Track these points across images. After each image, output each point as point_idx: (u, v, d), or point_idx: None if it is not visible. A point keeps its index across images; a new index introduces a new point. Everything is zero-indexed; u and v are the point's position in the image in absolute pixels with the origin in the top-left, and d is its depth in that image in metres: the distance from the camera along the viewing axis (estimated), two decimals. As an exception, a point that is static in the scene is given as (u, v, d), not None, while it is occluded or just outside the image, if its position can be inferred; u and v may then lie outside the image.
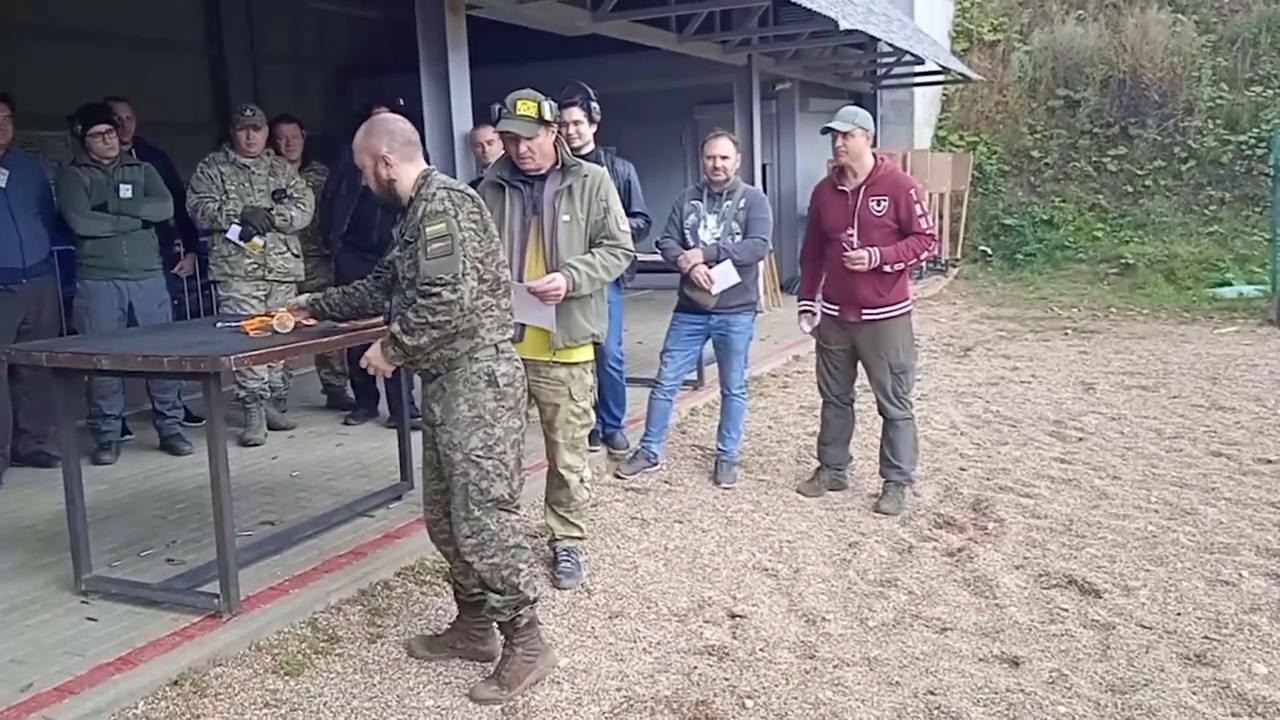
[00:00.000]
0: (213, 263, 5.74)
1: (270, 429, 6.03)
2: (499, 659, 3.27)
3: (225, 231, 5.57)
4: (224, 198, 5.59)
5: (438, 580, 3.97)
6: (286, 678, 3.28)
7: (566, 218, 3.72)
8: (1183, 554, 4.22)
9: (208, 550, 3.96)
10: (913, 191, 4.73)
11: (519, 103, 3.61)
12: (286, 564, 3.98)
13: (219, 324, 4.00)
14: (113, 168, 5.35)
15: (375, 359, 3.14)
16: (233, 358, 3.28)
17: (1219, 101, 14.09)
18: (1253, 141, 13.52)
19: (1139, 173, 14.07)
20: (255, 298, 5.71)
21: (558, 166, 3.77)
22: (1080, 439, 6.10)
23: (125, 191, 5.34)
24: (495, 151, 5.88)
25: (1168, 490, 5.06)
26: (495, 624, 3.28)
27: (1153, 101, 14.36)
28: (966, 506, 4.92)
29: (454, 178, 6.04)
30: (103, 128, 5.31)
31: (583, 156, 5.12)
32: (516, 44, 9.00)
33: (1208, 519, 4.63)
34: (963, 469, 5.52)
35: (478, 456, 3.07)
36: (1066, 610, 3.71)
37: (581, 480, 4.04)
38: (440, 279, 2.90)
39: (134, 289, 5.39)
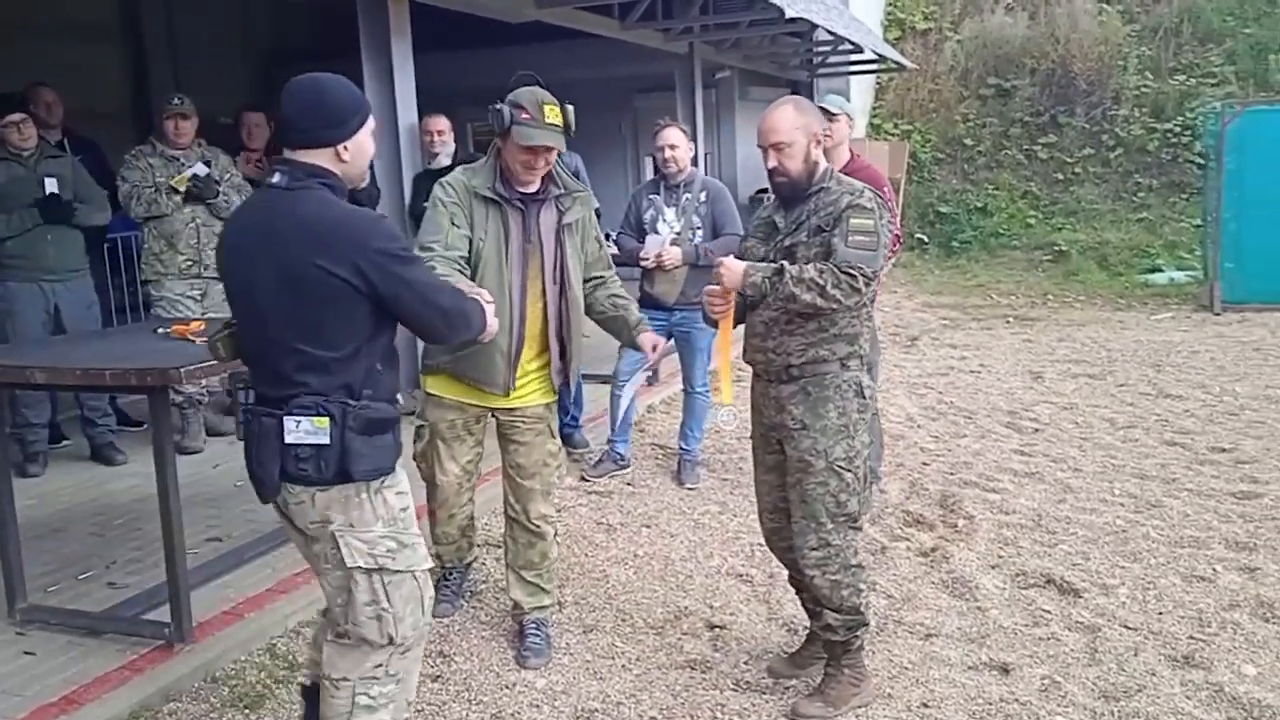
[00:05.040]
0: (144, 260, 5.42)
1: (209, 434, 5.74)
2: (824, 677, 3.13)
3: (177, 186, 5.22)
4: (156, 187, 5.26)
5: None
6: (247, 710, 3.08)
7: (570, 251, 3.25)
8: (1155, 549, 4.21)
9: (152, 571, 3.72)
10: (886, 191, 4.63)
11: (547, 107, 3.04)
12: (239, 584, 3.75)
13: (158, 329, 3.72)
14: (33, 160, 5.02)
15: (731, 275, 2.90)
16: (184, 370, 3.05)
17: (1144, 90, 14.35)
18: (1178, 130, 13.80)
19: (1069, 161, 14.27)
20: (190, 297, 5.41)
21: (554, 189, 3.24)
22: (1036, 430, 6.11)
23: (49, 185, 5.00)
24: (444, 142, 5.66)
25: (1129, 482, 5.08)
26: (823, 641, 3.14)
27: (1081, 90, 14.58)
28: (934, 503, 4.87)
29: (400, 171, 5.89)
30: (16, 117, 4.97)
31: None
32: (452, 29, 8.74)
33: (1174, 511, 4.64)
34: (925, 464, 5.48)
35: (840, 466, 2.97)
36: (1049, 612, 3.67)
37: (555, 534, 3.56)
38: (860, 268, 2.81)
39: (60, 291, 5.07)
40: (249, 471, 2.39)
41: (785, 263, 2.87)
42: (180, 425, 5.55)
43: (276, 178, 2.35)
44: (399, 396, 2.49)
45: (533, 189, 3.20)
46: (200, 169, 5.25)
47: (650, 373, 2.94)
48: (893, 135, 15.02)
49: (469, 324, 2.53)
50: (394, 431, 2.41)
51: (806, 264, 2.87)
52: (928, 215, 14.44)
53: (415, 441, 3.43)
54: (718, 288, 2.95)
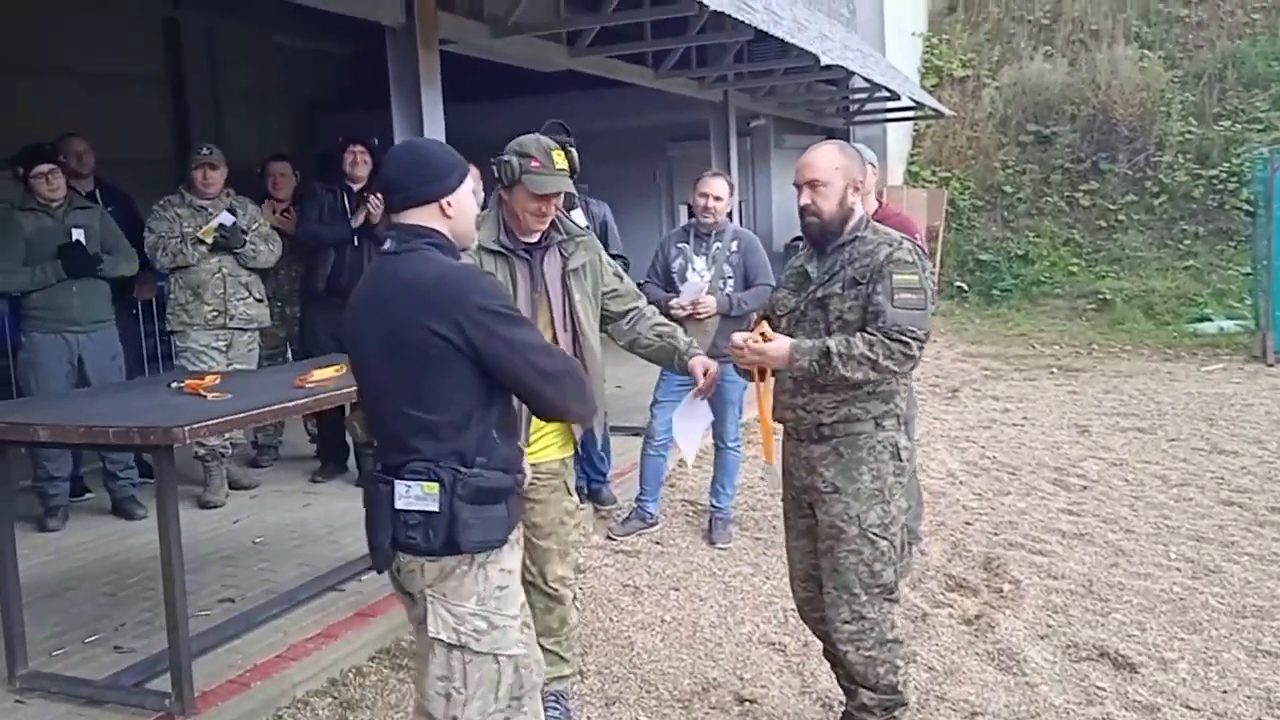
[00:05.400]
0: (170, 311, 5.36)
1: (232, 487, 5.65)
2: None
3: (204, 238, 5.19)
4: (183, 237, 5.22)
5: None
6: (248, 788, 2.92)
7: (579, 297, 3.11)
8: (1216, 619, 3.95)
9: (160, 635, 3.56)
10: (919, 238, 4.47)
11: (555, 154, 2.94)
12: (248, 650, 3.60)
13: (172, 383, 3.63)
14: (61, 210, 4.99)
15: (775, 355, 2.77)
16: (186, 429, 2.93)
17: (1188, 136, 14.10)
18: (1224, 176, 13.52)
19: (1112, 207, 14.03)
20: (215, 348, 5.34)
21: (557, 235, 3.11)
22: (1084, 487, 5.85)
23: (76, 236, 4.97)
24: (477, 192, 5.58)
25: (1185, 545, 4.82)
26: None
27: (1123, 137, 14.36)
28: (977, 566, 4.64)
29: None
30: (45, 168, 4.95)
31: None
32: (487, 80, 8.75)
33: (1234, 578, 4.38)
34: (968, 523, 5.25)
35: (874, 534, 2.80)
36: (1104, 690, 3.42)
37: (574, 597, 3.38)
38: (911, 331, 2.69)
39: (84, 342, 5.01)
40: (368, 540, 2.33)
41: (831, 343, 2.70)
42: (203, 478, 5.47)
43: (387, 244, 2.33)
44: (521, 466, 2.40)
45: (535, 238, 3.09)
46: (226, 219, 5.21)
47: (701, 402, 2.79)
48: (931, 183, 14.86)
49: (581, 394, 2.36)
50: (507, 502, 2.30)
51: (853, 334, 2.72)
52: (967, 263, 14.22)
53: None
54: (745, 349, 2.80)
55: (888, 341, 2.65)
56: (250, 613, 3.81)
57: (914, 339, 2.66)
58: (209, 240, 5.18)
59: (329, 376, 3.54)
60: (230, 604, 4.00)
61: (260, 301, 5.50)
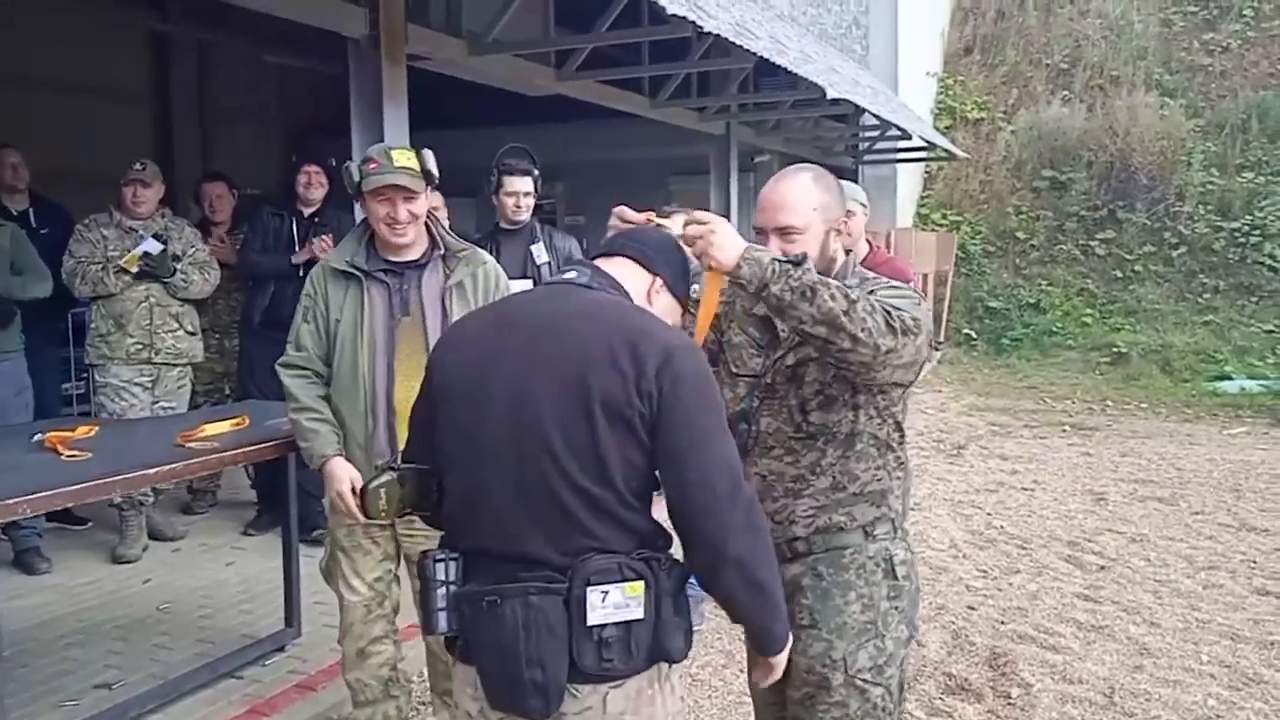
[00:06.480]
0: (90, 342, 4.84)
1: (155, 538, 5.10)
2: None
3: (127, 267, 4.66)
4: (105, 263, 4.71)
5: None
6: None
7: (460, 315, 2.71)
8: (1261, 747, 3.37)
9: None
10: (912, 284, 3.94)
11: (394, 152, 2.70)
12: (110, 754, 3.04)
13: (35, 435, 3.07)
14: (-34, 226, 4.49)
15: (721, 247, 1.95)
16: (26, 502, 2.39)
17: (1210, 187, 13.59)
18: (1246, 229, 12.99)
19: (1128, 258, 13.50)
20: (139, 384, 4.81)
21: (437, 252, 2.83)
22: (1102, 567, 5.27)
23: (-21, 254, 4.46)
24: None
25: (1219, 645, 4.23)
26: None
27: (1142, 185, 13.85)
28: (982, 663, 4.06)
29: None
30: None
31: (518, 228, 4.34)
32: (471, 105, 8.31)
33: (1278, 689, 3.79)
34: (971, 607, 4.67)
35: (865, 681, 2.16)
36: (1132, 841, 2.84)
37: None
38: (900, 309, 2.03)
39: (-16, 374, 4.49)
40: (510, 679, 1.72)
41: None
42: (119, 528, 4.92)
43: (572, 274, 1.90)
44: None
45: (410, 255, 2.79)
46: (153, 245, 4.68)
47: None
48: (941, 226, 14.37)
49: (763, 552, 1.78)
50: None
51: (839, 413, 2.16)
52: (976, 310, 13.68)
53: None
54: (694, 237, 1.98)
55: (873, 302, 1.97)
56: (124, 705, 3.23)
57: (905, 318, 1.97)
58: (132, 269, 4.66)
59: (220, 433, 3.00)
60: (106, 691, 3.42)
61: (193, 334, 4.96)
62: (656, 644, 1.74)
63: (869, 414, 2.17)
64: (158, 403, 4.87)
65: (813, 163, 2.58)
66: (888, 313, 1.95)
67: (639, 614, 1.71)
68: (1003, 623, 4.48)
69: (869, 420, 2.17)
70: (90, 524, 5.25)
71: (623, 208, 2.15)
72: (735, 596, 1.78)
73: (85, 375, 5.81)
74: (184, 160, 10.41)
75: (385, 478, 1.93)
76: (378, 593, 2.88)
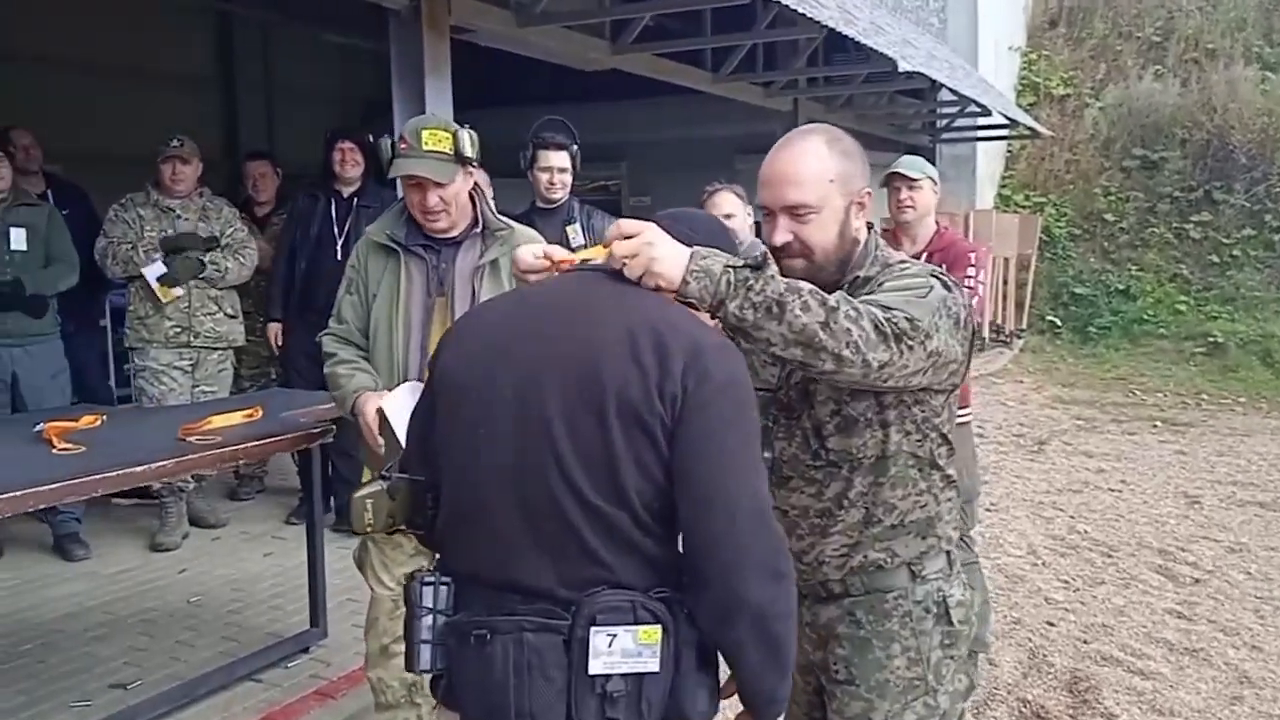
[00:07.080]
0: (128, 324, 4.72)
1: (197, 525, 4.98)
2: None
3: (141, 275, 4.53)
4: (136, 243, 4.56)
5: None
6: None
7: (488, 295, 2.57)
8: (1385, 799, 2.97)
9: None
10: (971, 255, 3.55)
11: (425, 133, 2.51)
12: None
13: (38, 425, 2.90)
14: (2, 207, 4.37)
15: (663, 260, 1.55)
16: (3, 500, 2.20)
17: (1316, 167, 12.77)
18: (1354, 211, 12.18)
19: (1226, 241, 12.74)
20: (178, 368, 4.68)
21: (476, 229, 2.68)
22: (1196, 580, 4.84)
23: (16, 237, 4.34)
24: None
25: (1332, 674, 3.81)
26: None
27: (1241, 165, 13.07)
28: (1061, 687, 3.70)
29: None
30: None
31: (554, 207, 4.08)
32: (524, 82, 8.06)
33: (1402, 730, 3.37)
34: (1050, 623, 4.30)
35: None
36: None
37: None
38: (901, 309, 1.67)
39: (19, 357, 4.37)
40: None
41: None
42: (160, 517, 4.80)
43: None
44: None
45: (452, 232, 2.66)
46: (157, 269, 4.50)
47: None
48: (1024, 208, 13.76)
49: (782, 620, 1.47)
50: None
51: (860, 436, 1.81)
52: (1061, 296, 13.06)
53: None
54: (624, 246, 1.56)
55: (859, 305, 1.61)
56: (134, 709, 3.06)
57: (905, 320, 1.61)
58: (167, 299, 4.56)
59: (229, 425, 2.79)
60: (121, 692, 3.27)
61: (233, 317, 4.81)
62: (674, 704, 1.45)
63: (904, 430, 1.80)
64: (198, 387, 4.74)
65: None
66: (877, 317, 1.59)
67: (653, 666, 1.42)
68: (1085, 641, 4.11)
69: (904, 438, 1.81)
70: (136, 502, 5.10)
71: (552, 247, 1.77)
72: (745, 651, 1.46)
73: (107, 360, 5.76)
74: (250, 143, 10.39)
75: (373, 488, 1.67)
76: None
